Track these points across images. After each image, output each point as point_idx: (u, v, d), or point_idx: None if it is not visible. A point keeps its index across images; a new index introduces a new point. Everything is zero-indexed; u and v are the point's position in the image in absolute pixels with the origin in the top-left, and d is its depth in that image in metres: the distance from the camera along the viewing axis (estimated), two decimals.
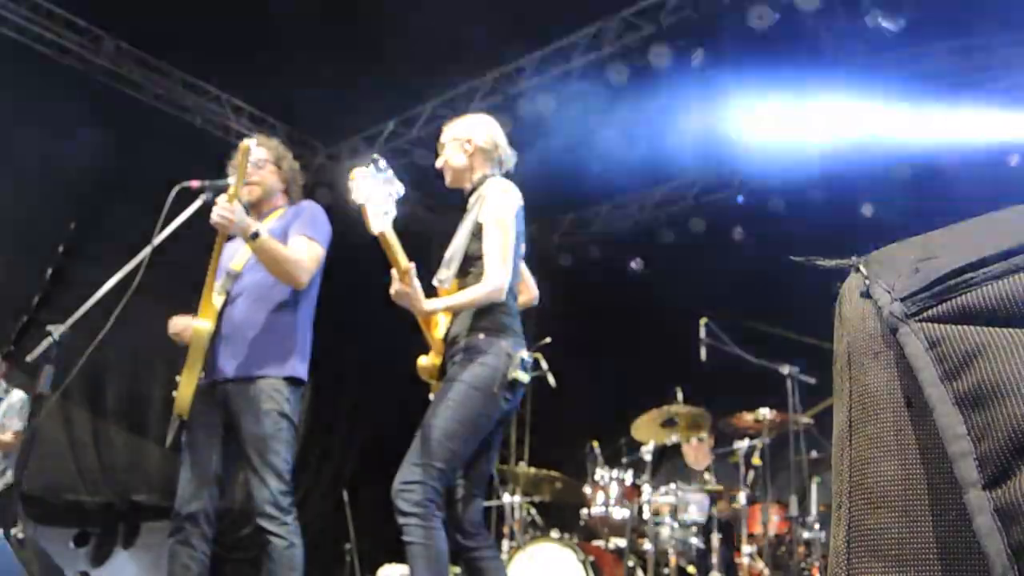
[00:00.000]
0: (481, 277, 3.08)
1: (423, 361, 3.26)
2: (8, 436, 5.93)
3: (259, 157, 3.55)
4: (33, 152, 6.36)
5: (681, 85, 6.52)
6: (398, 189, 2.83)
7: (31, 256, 6.91)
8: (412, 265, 2.94)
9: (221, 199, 3.17)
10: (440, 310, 3.06)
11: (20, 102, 6.12)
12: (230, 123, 7.58)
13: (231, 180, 3.25)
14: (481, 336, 3.05)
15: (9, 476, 5.96)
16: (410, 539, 2.82)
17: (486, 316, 3.09)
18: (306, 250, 3.36)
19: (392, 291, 2.96)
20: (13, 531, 2.52)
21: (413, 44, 6.32)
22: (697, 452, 6.21)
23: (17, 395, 6.12)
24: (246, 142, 3.29)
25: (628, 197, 8.74)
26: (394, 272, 2.94)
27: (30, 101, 6.21)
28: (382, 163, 2.82)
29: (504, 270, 3.06)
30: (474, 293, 3.05)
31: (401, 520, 2.85)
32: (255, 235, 3.17)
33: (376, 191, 2.78)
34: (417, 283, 2.96)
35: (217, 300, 3.36)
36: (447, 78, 7.26)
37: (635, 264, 8.92)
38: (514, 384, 3.04)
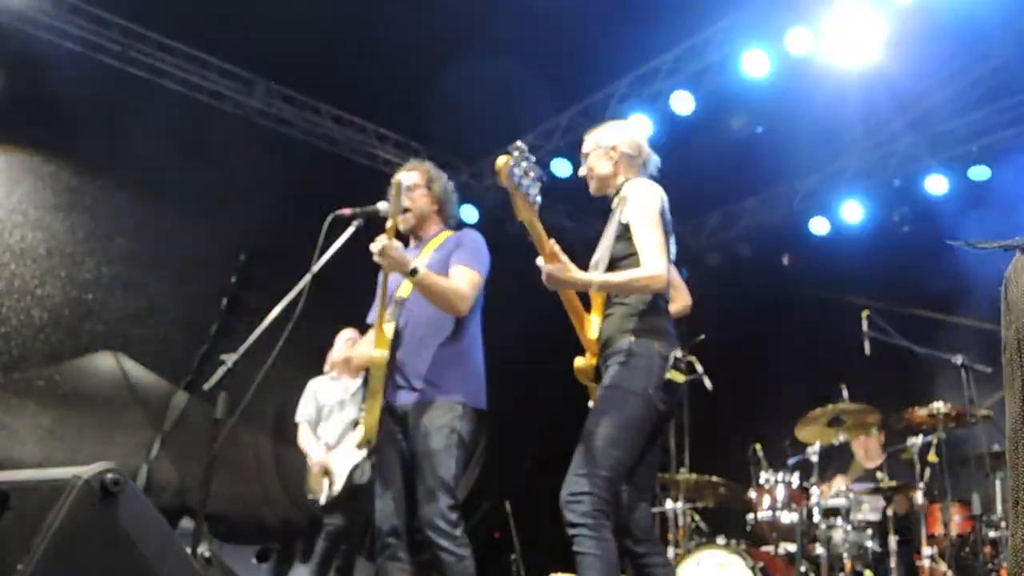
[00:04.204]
0: None
1: (579, 362, 3.26)
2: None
3: (410, 182, 3.60)
4: (203, 191, 6.81)
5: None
6: (541, 176, 2.86)
7: (209, 289, 7.41)
8: (553, 242, 2.94)
9: (381, 238, 3.23)
10: (597, 283, 2.99)
11: (187, 146, 6.55)
12: (376, 151, 7.86)
13: (379, 206, 3.37)
14: (632, 339, 3.04)
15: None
16: (581, 550, 2.82)
17: (638, 318, 3.07)
18: (465, 279, 3.40)
19: (544, 274, 2.93)
20: (199, 549, 2.68)
21: (543, 56, 6.36)
22: (868, 450, 5.95)
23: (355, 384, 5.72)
24: (398, 177, 3.37)
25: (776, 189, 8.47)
26: (540, 259, 2.95)
27: (196, 144, 6.64)
28: (525, 150, 2.82)
29: (661, 258, 3.01)
30: (632, 274, 3.02)
31: (571, 531, 2.85)
32: (413, 272, 3.24)
33: (522, 178, 2.80)
34: (566, 257, 2.95)
35: (388, 328, 3.45)
36: (581, 87, 7.28)
37: (786, 259, 8.60)
38: (669, 385, 3.01)
